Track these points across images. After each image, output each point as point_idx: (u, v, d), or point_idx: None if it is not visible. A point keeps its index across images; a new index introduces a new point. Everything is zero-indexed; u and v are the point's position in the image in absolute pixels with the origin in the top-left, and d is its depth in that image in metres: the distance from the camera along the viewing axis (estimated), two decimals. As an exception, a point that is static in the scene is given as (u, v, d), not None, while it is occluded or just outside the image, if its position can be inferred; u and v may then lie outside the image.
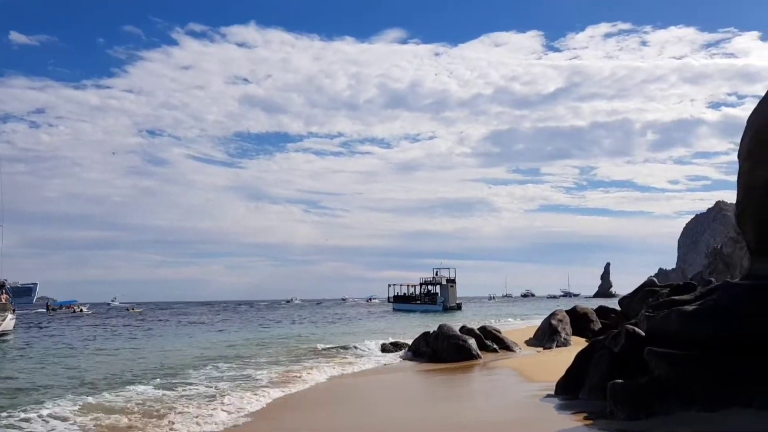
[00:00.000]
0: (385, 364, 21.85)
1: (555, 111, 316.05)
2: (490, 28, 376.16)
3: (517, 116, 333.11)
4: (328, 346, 26.88)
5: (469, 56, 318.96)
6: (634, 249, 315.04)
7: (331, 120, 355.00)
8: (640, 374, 11.12)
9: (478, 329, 24.70)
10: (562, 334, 24.03)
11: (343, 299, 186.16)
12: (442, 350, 21.95)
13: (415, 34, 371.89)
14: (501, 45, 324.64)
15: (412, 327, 42.75)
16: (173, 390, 15.30)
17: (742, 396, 10.12)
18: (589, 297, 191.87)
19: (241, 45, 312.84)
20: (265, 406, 13.64)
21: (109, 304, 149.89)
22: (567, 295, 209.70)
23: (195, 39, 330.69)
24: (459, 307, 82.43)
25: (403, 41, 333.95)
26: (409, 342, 25.21)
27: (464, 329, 24.39)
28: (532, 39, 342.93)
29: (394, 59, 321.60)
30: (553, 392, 13.06)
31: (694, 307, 11.73)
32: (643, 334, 11.95)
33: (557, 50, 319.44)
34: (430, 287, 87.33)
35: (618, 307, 30.10)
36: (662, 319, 11.88)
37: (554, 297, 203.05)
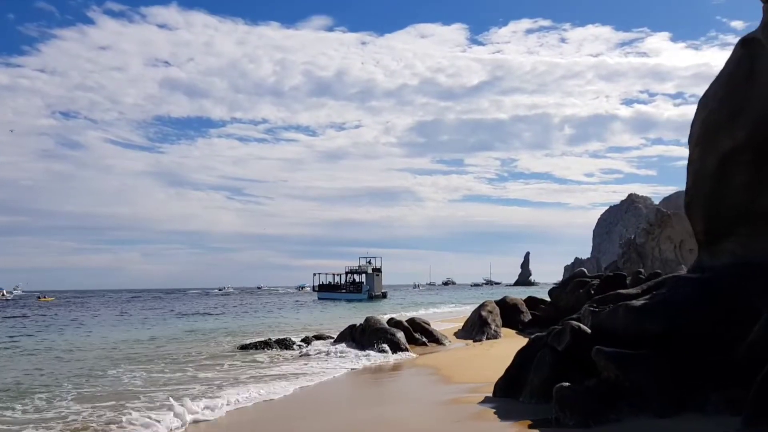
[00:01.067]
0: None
1: (478, 104, 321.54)
2: (416, 19, 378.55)
3: (442, 108, 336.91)
4: (246, 342, 25.09)
5: (395, 46, 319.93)
6: (552, 239, 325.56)
7: (255, 106, 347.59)
8: (587, 376, 10.20)
9: (406, 321, 23.63)
10: (492, 326, 23.30)
11: (259, 287, 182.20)
12: (368, 344, 20.73)
13: (341, 21, 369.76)
14: (427, 36, 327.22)
15: (338, 318, 41.48)
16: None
17: (697, 398, 9.34)
18: (510, 285, 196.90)
19: (162, 27, 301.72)
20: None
21: (9, 293, 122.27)
22: (489, 283, 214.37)
23: (113, 18, 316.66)
24: (384, 295, 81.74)
25: (330, 29, 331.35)
26: (335, 335, 23.90)
27: (392, 322, 23.27)
28: (456, 32, 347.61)
29: (320, 47, 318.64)
30: (491, 394, 12.02)
31: (642, 302, 10.92)
32: (589, 331, 11.06)
33: (481, 44, 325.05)
34: (355, 276, 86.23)
35: (545, 297, 29.92)
36: (609, 314, 11.02)
37: (477, 285, 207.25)
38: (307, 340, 24.03)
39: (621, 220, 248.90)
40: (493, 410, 10.79)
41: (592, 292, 22.76)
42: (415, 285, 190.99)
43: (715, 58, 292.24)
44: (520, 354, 12.15)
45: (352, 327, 22.55)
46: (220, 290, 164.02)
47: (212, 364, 18.79)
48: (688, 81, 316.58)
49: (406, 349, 20.19)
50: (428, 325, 23.54)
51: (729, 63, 11.34)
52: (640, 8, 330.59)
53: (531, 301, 27.07)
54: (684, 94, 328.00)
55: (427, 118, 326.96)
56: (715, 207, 11.33)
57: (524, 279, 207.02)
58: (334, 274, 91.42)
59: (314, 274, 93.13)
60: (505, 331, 23.80)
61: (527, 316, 24.76)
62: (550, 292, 25.59)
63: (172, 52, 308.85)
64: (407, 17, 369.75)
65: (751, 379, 8.85)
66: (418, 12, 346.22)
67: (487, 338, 22.91)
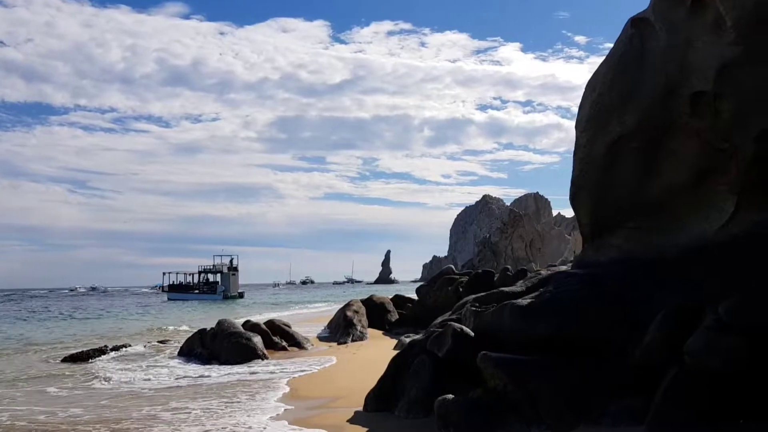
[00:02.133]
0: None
1: (341, 101, 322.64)
2: (277, 13, 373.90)
3: (304, 104, 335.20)
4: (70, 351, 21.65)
5: (255, 39, 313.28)
6: (411, 237, 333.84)
7: (103, 93, 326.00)
8: (472, 385, 8.92)
9: (265, 324, 21.56)
10: (358, 327, 21.87)
11: (103, 289, 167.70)
12: (221, 351, 18.47)
13: (197, 10, 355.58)
14: (289, 31, 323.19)
15: (189, 320, 38.21)
16: None
17: (593, 409, 8.34)
18: (371, 283, 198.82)
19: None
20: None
21: None
22: (351, 281, 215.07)
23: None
24: (241, 295, 78.11)
25: (185, 16, 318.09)
26: (182, 340, 21.30)
27: (248, 325, 21.11)
28: (319, 28, 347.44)
29: (174, 34, 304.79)
30: (361, 407, 10.46)
31: (529, 300, 9.85)
32: (472, 334, 9.81)
33: (343, 42, 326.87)
34: (209, 275, 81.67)
35: (407, 294, 28.95)
36: (494, 315, 9.85)
37: (339, 283, 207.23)
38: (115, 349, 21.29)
39: (476, 220, 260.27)
40: (366, 429, 9.23)
41: (461, 289, 22.07)
42: (276, 284, 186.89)
43: (561, 69, 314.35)
44: (396, 361, 10.70)
45: (201, 332, 20.11)
46: (70, 290, 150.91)
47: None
48: (536, 90, 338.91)
49: (264, 356, 18.18)
50: (289, 327, 21.64)
51: (619, 43, 10.61)
52: (494, 18, 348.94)
53: (398, 300, 26.01)
54: (533, 102, 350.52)
55: (289, 114, 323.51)
56: (602, 198, 10.54)
57: (385, 277, 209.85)
58: (186, 274, 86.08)
59: (164, 273, 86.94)
60: (372, 332, 22.50)
61: (394, 316, 23.66)
62: (418, 291, 24.68)
63: (8, 31, 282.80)
64: (268, 10, 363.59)
65: (650, 384, 7.99)
66: (280, 6, 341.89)
67: (353, 340, 21.45)
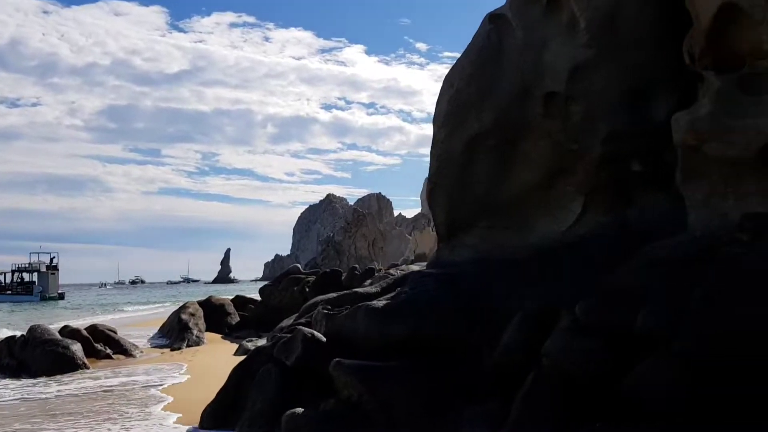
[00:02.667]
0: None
1: (178, 92, 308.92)
2: None
3: (138, 93, 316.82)
4: None
5: (84, 20, 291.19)
6: (253, 236, 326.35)
7: None
8: (325, 396, 8.16)
9: (86, 329, 19.25)
10: (195, 331, 20.21)
11: None
12: (32, 361, 16.11)
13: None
14: (122, 15, 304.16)
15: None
16: None
17: (451, 414, 7.91)
18: (209, 282, 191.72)
19: None
20: None
21: None
22: (187, 281, 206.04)
23: None
24: (62, 296, 71.02)
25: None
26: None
27: (67, 330, 18.72)
28: (156, 14, 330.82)
29: None
30: (197, 424, 9.29)
31: (384, 302, 9.28)
32: (324, 339, 9.04)
33: (182, 31, 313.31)
34: (25, 275, 73.46)
35: (249, 294, 27.52)
36: (348, 318, 9.16)
37: (174, 283, 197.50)
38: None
39: (320, 219, 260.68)
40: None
41: (307, 290, 21.24)
42: (102, 284, 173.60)
43: (403, 74, 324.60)
44: (238, 370, 9.65)
45: (9, 340, 17.47)
46: None
47: None
48: (379, 93, 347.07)
49: (84, 366, 16.11)
50: (114, 332, 19.50)
51: (477, 37, 10.40)
52: (340, 19, 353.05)
53: (239, 301, 24.51)
54: (376, 104, 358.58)
55: (120, 103, 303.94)
56: (458, 196, 10.27)
57: (224, 276, 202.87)
58: (-4, 273, 76.84)
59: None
60: (210, 336, 20.93)
61: (235, 318, 22.23)
62: (261, 291, 23.42)
63: None
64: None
65: (509, 387, 7.72)
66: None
67: (189, 345, 19.80)
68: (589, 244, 10.01)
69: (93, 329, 19.51)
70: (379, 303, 9.17)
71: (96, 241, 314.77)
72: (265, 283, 26.02)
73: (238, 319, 22.33)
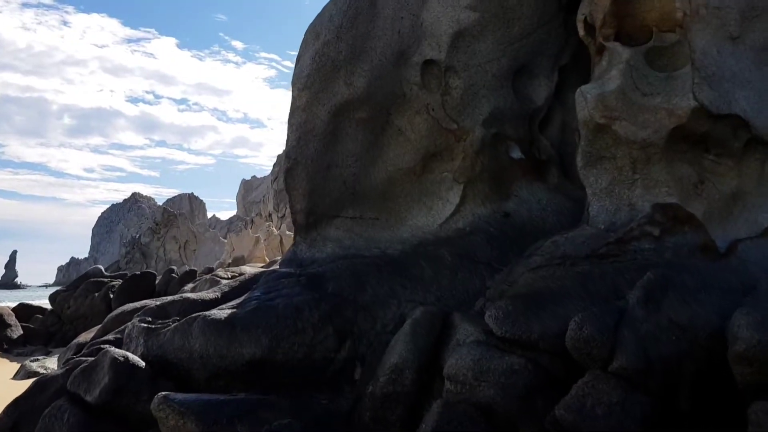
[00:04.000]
0: None
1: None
2: None
3: None
4: None
5: None
6: (45, 236, 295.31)
7: None
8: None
9: None
10: (-41, 349, 15.94)
11: None
12: None
13: None
14: None
15: None
16: None
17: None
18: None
19: None
20: None
21: None
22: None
23: None
24: None
25: None
26: None
27: None
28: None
29: None
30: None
31: (228, 311, 7.04)
32: (143, 363, 6.59)
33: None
34: None
35: (41, 302, 22.90)
36: (177, 334, 6.78)
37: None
38: None
39: (123, 219, 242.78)
40: None
41: (112, 296, 17.81)
42: None
43: (218, 71, 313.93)
44: (16, 408, 6.82)
45: None
46: None
47: None
48: (192, 89, 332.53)
49: None
50: None
51: (349, -18, 8.50)
52: (148, 9, 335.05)
53: (23, 310, 19.99)
54: (188, 101, 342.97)
55: None
56: (321, 178, 8.32)
57: (9, 281, 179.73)
58: None
59: None
60: (-19, 355, 16.71)
61: (17, 330, 18.02)
62: (52, 298, 19.30)
63: None
64: None
65: (398, 423, 5.96)
66: None
67: (-51, 367, 15.55)
68: (470, 239, 8.62)
69: None
70: (221, 313, 6.92)
71: None
72: (58, 288, 21.79)
73: (21, 332, 18.20)
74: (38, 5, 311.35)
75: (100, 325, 12.67)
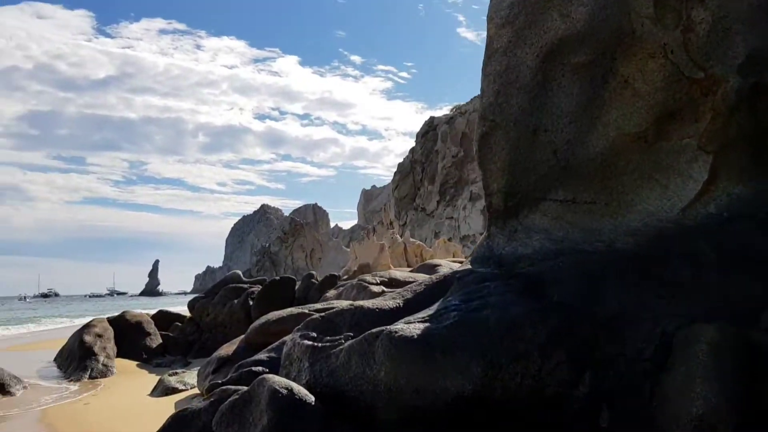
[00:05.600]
0: None
1: (105, 99, 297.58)
2: None
3: (62, 98, 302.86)
4: None
5: (4, 22, 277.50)
6: (183, 247, 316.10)
7: None
8: None
9: (-50, 357, 14.17)
10: (101, 358, 15.33)
11: None
12: None
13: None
14: (45, 18, 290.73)
15: None
16: None
17: None
18: (135, 295, 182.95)
19: None
20: None
21: None
22: (113, 293, 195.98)
23: None
24: (-36, 311, 63.11)
25: None
26: None
27: None
28: (81, 18, 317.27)
29: None
30: None
31: (422, 325, 5.08)
32: (311, 398, 4.76)
33: (109, 36, 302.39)
34: None
35: (180, 310, 22.51)
36: (354, 356, 4.91)
37: (98, 296, 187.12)
38: None
39: (254, 230, 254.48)
40: None
41: (251, 302, 16.68)
42: (22, 297, 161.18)
43: (338, 86, 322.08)
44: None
45: None
46: None
47: None
48: (314, 104, 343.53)
49: (-70, 413, 11.17)
50: (-11, 361, 14.46)
51: None
52: (273, 29, 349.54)
53: (162, 318, 19.40)
54: (310, 115, 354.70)
55: (43, 108, 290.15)
56: (527, 147, 6.20)
57: (152, 289, 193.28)
58: None
59: None
60: (122, 364, 16.02)
61: (156, 339, 17.37)
62: (191, 305, 18.52)
63: None
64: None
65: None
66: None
67: (92, 376, 14.91)
68: (733, 229, 6.17)
69: (-41, 357, 14.40)
70: (412, 329, 4.97)
71: (15, 252, 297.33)
72: (196, 295, 21.19)
73: (160, 340, 17.51)
74: (174, 31, 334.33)
75: (242, 336, 11.32)
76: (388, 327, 4.98)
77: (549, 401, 4.80)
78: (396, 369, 4.68)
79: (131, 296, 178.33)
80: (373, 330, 5.02)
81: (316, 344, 5.22)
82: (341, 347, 5.07)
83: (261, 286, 17.84)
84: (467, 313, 5.06)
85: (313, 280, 17.79)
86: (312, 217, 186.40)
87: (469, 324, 4.94)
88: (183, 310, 24.57)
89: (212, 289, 19.13)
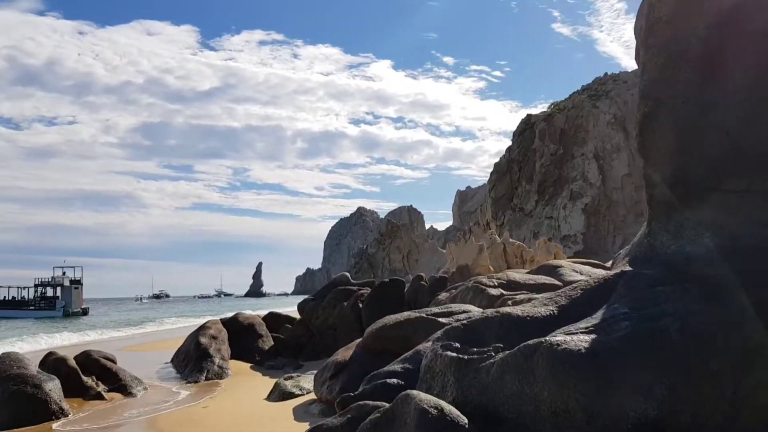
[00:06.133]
0: None
1: (209, 109, 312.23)
2: (142, 15, 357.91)
3: (170, 110, 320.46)
4: None
5: (118, 40, 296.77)
6: (284, 250, 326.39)
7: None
8: None
9: (78, 357, 14.71)
10: (216, 359, 15.49)
11: None
12: (-8, 406, 11.61)
13: (53, 6, 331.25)
14: (154, 34, 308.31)
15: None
16: None
17: None
18: (241, 296, 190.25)
19: None
20: None
21: None
22: (220, 294, 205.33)
23: None
24: (85, 312, 66.96)
25: (40, 13, 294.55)
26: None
27: (50, 360, 14.14)
28: (186, 33, 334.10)
29: (27, 31, 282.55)
30: None
31: (588, 338, 4.38)
32: (464, 420, 4.18)
33: (213, 49, 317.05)
34: (48, 289, 69.72)
35: (281, 309, 22.70)
36: (512, 372, 4.28)
37: (206, 297, 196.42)
38: None
39: (350, 232, 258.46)
40: None
41: (361, 304, 16.38)
42: (139, 298, 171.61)
43: (430, 88, 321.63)
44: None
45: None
46: None
47: None
48: (407, 107, 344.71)
49: (61, 413, 11.52)
50: (112, 362, 14.89)
51: None
52: (366, 35, 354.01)
53: (273, 320, 19.45)
54: (404, 118, 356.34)
55: (154, 120, 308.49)
56: (695, 127, 5.34)
57: (256, 290, 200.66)
58: (19, 287, 73.25)
59: (-11, 287, 73.93)
60: (236, 366, 16.14)
61: (268, 341, 17.42)
62: (301, 307, 18.45)
63: None
64: (132, 11, 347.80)
65: None
66: (145, 8, 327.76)
67: (208, 378, 15.06)
68: None
69: (86, 357, 14.92)
70: (578, 341, 4.28)
71: (131, 255, 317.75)
72: (305, 297, 21.18)
73: (272, 342, 17.54)
74: (272, 42, 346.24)
75: (357, 341, 10.95)
76: (546, 338, 4.32)
77: (748, 430, 3.99)
78: (562, 388, 4.02)
79: (237, 297, 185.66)
80: (529, 342, 4.38)
81: (462, 356, 4.65)
82: (492, 360, 4.47)
83: (369, 288, 17.51)
84: (641, 323, 4.31)
85: (423, 282, 17.28)
86: (407, 218, 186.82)
87: (645, 336, 4.20)
88: (289, 311, 24.81)
89: (321, 292, 19.01)
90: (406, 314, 10.20)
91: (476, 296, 11.97)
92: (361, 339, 10.64)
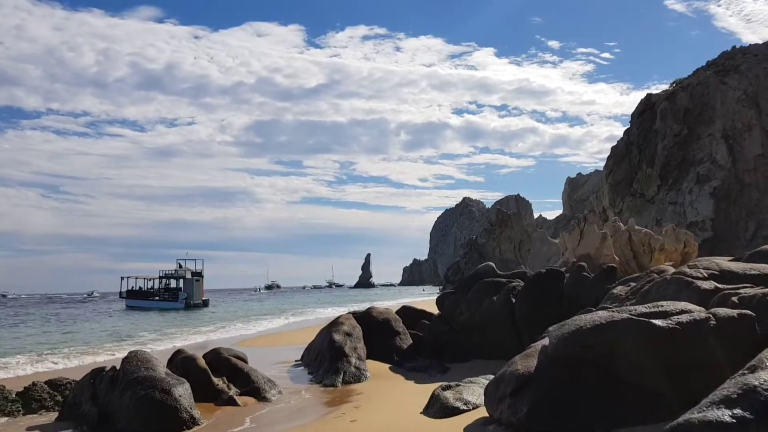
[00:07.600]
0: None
1: (317, 106, 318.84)
2: (252, 17, 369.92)
3: (280, 108, 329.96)
4: None
5: (230, 43, 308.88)
6: (390, 241, 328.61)
7: (75, 97, 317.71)
8: None
9: (207, 356, 13.59)
10: (353, 359, 13.85)
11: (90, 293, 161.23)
12: (119, 410, 10.56)
13: (171, 13, 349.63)
14: (263, 35, 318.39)
15: (142, 332, 29.84)
16: None
17: None
18: (351, 287, 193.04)
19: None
20: None
21: None
22: (331, 285, 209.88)
23: None
24: (206, 303, 68.86)
25: (159, 20, 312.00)
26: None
27: (178, 359, 13.07)
28: (293, 33, 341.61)
29: (148, 38, 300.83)
30: None
31: None
32: None
33: (318, 47, 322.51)
34: (171, 281, 72.43)
35: (387, 299, 20.66)
36: None
37: (319, 288, 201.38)
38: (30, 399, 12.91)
39: (456, 223, 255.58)
40: None
41: (513, 300, 14.23)
42: (257, 288, 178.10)
43: (535, 73, 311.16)
44: None
45: (96, 374, 12.05)
46: (88, 295, 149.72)
47: None
48: (511, 94, 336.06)
49: (192, 421, 10.27)
50: (244, 361, 13.65)
51: None
52: (468, 23, 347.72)
53: (406, 314, 17.56)
54: (508, 106, 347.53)
55: (265, 118, 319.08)
56: None
57: (365, 280, 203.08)
58: (146, 279, 76.91)
59: (122, 278, 78.37)
60: (373, 367, 14.42)
61: (407, 339, 15.56)
62: (440, 301, 16.42)
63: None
64: (243, 14, 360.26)
65: None
66: (254, 10, 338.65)
67: (345, 381, 13.48)
68: None
69: (216, 355, 13.78)
70: None
71: (247, 248, 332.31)
72: (445, 291, 19.21)
73: (410, 340, 15.76)
74: (375, 36, 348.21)
75: (536, 345, 8.86)
76: None
77: None
78: None
79: (348, 287, 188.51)
80: None
81: None
82: None
83: (520, 281, 15.30)
84: None
85: (585, 273, 14.85)
86: (515, 208, 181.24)
87: None
88: (419, 302, 23.09)
89: (463, 284, 16.97)
90: (605, 314, 8.01)
91: (680, 291, 9.57)
92: (542, 344, 8.56)
